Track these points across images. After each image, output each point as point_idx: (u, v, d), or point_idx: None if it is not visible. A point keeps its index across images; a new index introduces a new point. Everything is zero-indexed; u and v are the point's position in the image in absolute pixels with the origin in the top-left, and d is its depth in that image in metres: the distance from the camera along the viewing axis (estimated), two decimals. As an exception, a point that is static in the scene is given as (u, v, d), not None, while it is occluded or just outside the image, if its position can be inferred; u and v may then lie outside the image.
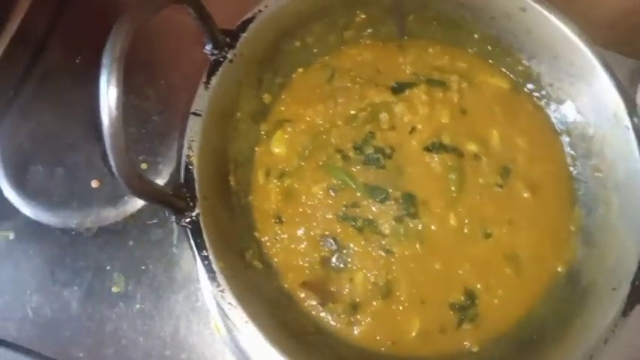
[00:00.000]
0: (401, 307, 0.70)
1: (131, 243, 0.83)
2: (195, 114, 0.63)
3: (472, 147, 0.76)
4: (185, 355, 0.78)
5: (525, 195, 0.75)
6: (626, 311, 0.62)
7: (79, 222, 0.82)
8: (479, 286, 0.72)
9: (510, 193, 0.75)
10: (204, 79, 0.65)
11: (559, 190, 0.77)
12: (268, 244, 0.72)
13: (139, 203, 0.82)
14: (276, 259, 0.72)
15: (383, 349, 0.69)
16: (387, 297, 0.70)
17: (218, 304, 0.61)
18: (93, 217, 0.83)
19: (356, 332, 0.70)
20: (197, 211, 0.61)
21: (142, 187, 0.53)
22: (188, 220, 0.60)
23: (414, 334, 0.70)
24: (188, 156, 0.62)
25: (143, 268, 0.82)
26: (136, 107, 0.87)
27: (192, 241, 0.60)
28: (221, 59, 0.66)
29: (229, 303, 0.59)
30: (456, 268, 0.72)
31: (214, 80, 0.65)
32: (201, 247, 0.60)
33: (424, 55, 0.81)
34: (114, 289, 0.81)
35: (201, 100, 0.64)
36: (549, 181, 0.77)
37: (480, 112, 0.78)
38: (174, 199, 0.59)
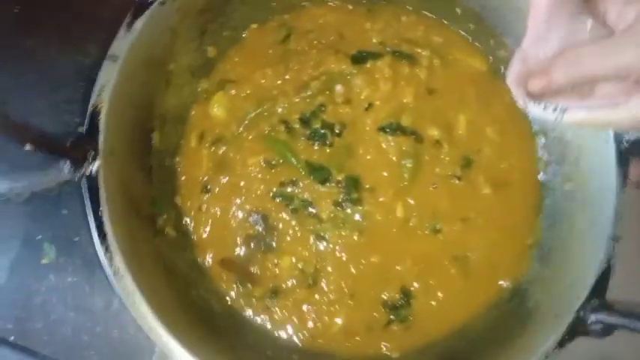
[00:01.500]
0: (326, 299, 0.65)
1: (65, 212, 0.76)
2: (111, 58, 0.56)
3: (434, 132, 0.69)
4: (117, 333, 0.72)
5: (486, 191, 0.68)
6: (563, 342, 0.55)
7: (9, 187, 0.76)
8: (417, 285, 0.66)
9: (469, 187, 0.68)
10: (127, 20, 0.58)
11: (524, 194, 0.70)
12: (191, 213, 0.67)
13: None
14: (195, 231, 0.67)
15: (300, 342, 0.65)
16: (312, 286, 0.65)
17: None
18: (25, 181, 0.76)
19: (272, 321, 0.65)
20: (96, 166, 0.54)
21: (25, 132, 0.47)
22: (81, 174, 0.54)
23: (336, 329, 0.65)
24: (95, 105, 0.56)
25: (76, 239, 0.75)
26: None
27: (86, 199, 0.54)
28: (149, 0, 0.58)
29: (117, 270, 0.54)
30: (395, 263, 0.66)
31: (139, 24, 0.59)
32: (96, 205, 0.55)
33: (395, 23, 0.74)
34: (44, 261, 0.74)
35: (121, 44, 0.58)
36: (515, 180, 0.70)
37: (450, 93, 0.71)
38: (71, 151, 0.52)
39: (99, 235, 0.55)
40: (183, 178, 0.68)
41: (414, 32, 0.73)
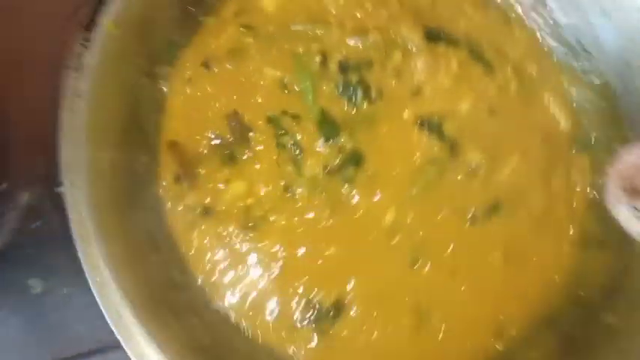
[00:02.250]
0: (266, 241, 0.56)
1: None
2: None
3: (475, 156, 0.58)
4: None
5: (495, 260, 0.57)
6: None
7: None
8: (353, 307, 0.55)
9: (479, 242, 0.57)
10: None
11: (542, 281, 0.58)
12: (176, 78, 0.59)
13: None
14: (170, 99, 0.59)
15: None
16: (248, 230, 0.56)
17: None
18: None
19: (187, 243, 0.56)
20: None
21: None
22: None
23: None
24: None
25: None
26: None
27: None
28: None
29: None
30: (346, 269, 0.56)
31: None
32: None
33: (499, 23, 0.64)
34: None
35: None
36: (535, 263, 0.58)
37: (512, 129, 0.60)
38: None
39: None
40: (189, 48, 0.60)
41: (512, 43, 0.63)
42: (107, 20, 0.51)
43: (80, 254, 0.48)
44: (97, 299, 0.48)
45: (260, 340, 0.55)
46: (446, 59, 0.60)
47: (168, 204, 0.56)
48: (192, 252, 0.56)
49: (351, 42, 0.59)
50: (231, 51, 0.59)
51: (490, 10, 0.64)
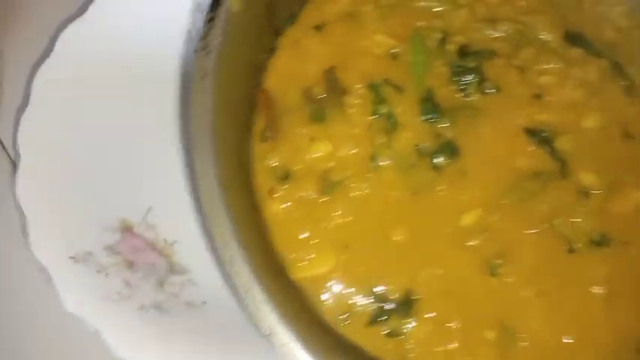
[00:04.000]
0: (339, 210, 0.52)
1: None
2: None
3: (589, 178, 0.53)
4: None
5: (597, 292, 0.51)
6: None
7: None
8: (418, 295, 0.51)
9: (580, 267, 0.51)
10: None
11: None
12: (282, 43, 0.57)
13: None
14: (273, 64, 0.56)
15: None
16: (322, 195, 0.52)
17: None
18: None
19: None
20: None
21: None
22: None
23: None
24: None
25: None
26: None
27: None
28: None
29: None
30: (418, 252, 0.51)
31: None
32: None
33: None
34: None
35: None
36: None
37: None
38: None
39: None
40: (312, 6, 0.58)
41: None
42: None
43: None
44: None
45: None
46: (582, 68, 0.55)
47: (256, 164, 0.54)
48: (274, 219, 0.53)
49: (478, 25, 0.56)
50: (347, 15, 0.56)
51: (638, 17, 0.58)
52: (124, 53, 0.64)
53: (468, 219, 0.51)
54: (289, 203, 0.52)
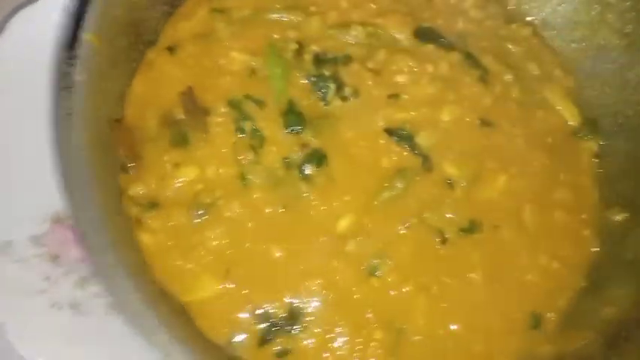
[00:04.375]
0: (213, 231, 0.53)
1: None
2: None
3: (452, 171, 0.56)
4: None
5: (474, 276, 0.54)
6: None
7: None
8: (301, 304, 0.53)
9: (451, 258, 0.55)
10: None
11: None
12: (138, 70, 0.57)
13: None
14: (129, 92, 0.56)
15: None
16: (198, 217, 0.53)
17: None
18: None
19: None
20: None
21: None
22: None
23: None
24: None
25: None
26: None
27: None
28: None
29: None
30: (296, 271, 0.53)
31: None
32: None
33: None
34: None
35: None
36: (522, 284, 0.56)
37: (510, 140, 0.59)
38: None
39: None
40: (166, 27, 0.59)
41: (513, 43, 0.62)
42: (88, 34, 0.49)
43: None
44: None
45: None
46: (434, 63, 0.58)
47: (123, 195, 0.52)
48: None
49: (332, 32, 0.58)
50: (200, 35, 0.57)
51: (490, 8, 0.63)
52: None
53: (342, 225, 0.53)
54: (160, 233, 0.52)
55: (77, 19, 0.49)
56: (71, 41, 0.49)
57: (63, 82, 0.49)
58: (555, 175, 0.58)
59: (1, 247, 0.61)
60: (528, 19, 0.66)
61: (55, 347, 0.60)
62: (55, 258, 0.62)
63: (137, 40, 0.56)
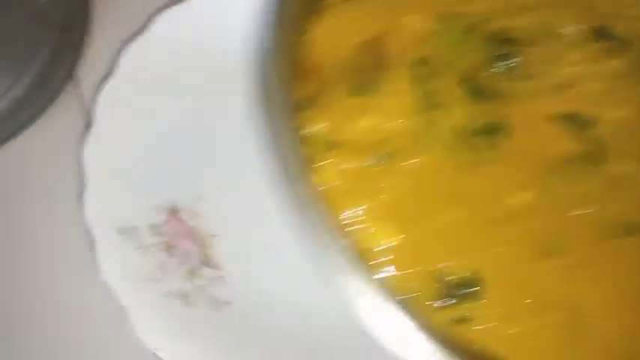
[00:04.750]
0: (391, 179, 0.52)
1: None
2: None
3: (625, 166, 0.53)
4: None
5: None
6: None
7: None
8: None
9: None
10: None
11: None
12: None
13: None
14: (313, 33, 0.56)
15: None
16: (379, 165, 0.51)
17: None
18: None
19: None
20: None
21: None
22: None
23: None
24: None
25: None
26: None
27: None
28: None
29: None
30: (468, 231, 0.50)
31: None
32: None
33: None
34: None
35: None
36: None
37: None
38: None
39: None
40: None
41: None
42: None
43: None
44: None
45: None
46: (608, 59, 0.57)
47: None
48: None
49: (513, 16, 0.57)
50: None
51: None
52: (213, 44, 0.66)
53: (518, 199, 0.51)
54: (334, 175, 0.51)
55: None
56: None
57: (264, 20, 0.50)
58: None
59: (127, 231, 0.64)
60: None
61: (167, 334, 0.63)
62: (169, 248, 0.64)
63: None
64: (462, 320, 0.47)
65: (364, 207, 0.49)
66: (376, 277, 0.47)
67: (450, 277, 0.48)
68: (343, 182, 0.50)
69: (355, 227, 0.49)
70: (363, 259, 0.47)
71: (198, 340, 0.63)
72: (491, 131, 0.53)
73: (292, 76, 0.51)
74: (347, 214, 0.49)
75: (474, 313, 0.48)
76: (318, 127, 0.51)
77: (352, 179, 0.50)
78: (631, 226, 0.51)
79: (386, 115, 0.52)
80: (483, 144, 0.52)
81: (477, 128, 0.53)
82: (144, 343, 0.61)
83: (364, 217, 0.49)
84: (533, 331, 0.48)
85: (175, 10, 0.65)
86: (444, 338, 0.45)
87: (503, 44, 0.56)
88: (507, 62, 0.55)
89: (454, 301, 0.48)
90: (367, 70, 0.53)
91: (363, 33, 0.54)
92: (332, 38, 0.54)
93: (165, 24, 0.65)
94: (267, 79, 0.49)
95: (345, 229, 0.48)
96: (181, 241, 0.66)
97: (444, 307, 0.48)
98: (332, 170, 0.50)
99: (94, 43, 0.70)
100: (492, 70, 0.55)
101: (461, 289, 0.48)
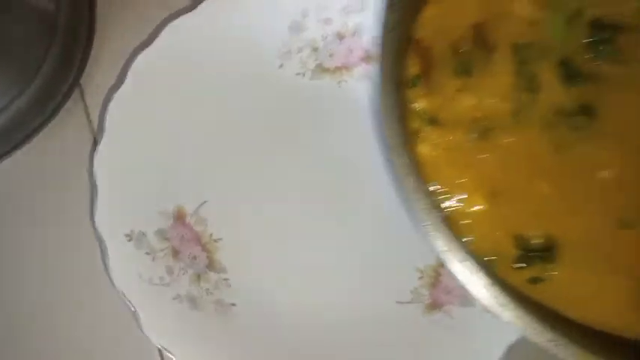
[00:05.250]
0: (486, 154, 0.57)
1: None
2: None
3: None
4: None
5: None
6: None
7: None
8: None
9: None
10: None
11: None
12: None
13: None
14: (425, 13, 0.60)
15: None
16: (478, 139, 0.57)
17: None
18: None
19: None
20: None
21: None
22: None
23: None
24: None
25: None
26: None
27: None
28: None
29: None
30: (557, 204, 0.56)
31: None
32: None
33: None
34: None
35: None
36: None
37: None
38: None
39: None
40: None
41: None
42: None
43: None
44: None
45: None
46: None
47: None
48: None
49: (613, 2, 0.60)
50: None
51: None
52: (220, 54, 0.67)
53: (605, 175, 0.56)
54: (436, 147, 0.57)
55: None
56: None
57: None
58: None
59: (136, 237, 0.67)
60: None
61: (177, 336, 0.67)
62: (176, 253, 0.68)
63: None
64: (537, 280, 0.54)
65: (459, 177, 0.56)
66: (463, 239, 0.55)
67: (530, 242, 0.55)
68: (441, 154, 0.56)
69: (448, 195, 0.56)
70: (453, 222, 0.55)
71: (207, 342, 0.67)
72: (585, 112, 0.57)
73: (405, 54, 0.58)
74: (442, 183, 0.56)
75: (549, 275, 0.55)
76: (423, 103, 0.57)
77: (450, 152, 0.56)
78: None
79: (487, 94, 0.57)
80: (577, 124, 0.57)
81: (571, 109, 0.57)
82: (154, 345, 0.64)
83: (456, 187, 0.56)
84: (603, 293, 0.54)
85: (182, 21, 0.66)
86: (517, 296, 0.54)
87: (604, 29, 0.59)
88: (606, 47, 0.58)
89: (531, 263, 0.55)
90: (473, 52, 0.58)
91: (473, 16, 0.59)
92: (442, 20, 0.59)
93: (173, 34, 0.66)
94: (383, 55, 0.54)
95: (440, 196, 0.56)
96: (188, 246, 0.69)
97: (521, 269, 0.55)
98: (432, 143, 0.57)
99: (98, 53, 0.71)
100: (591, 54, 0.58)
101: (538, 253, 0.55)
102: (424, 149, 0.56)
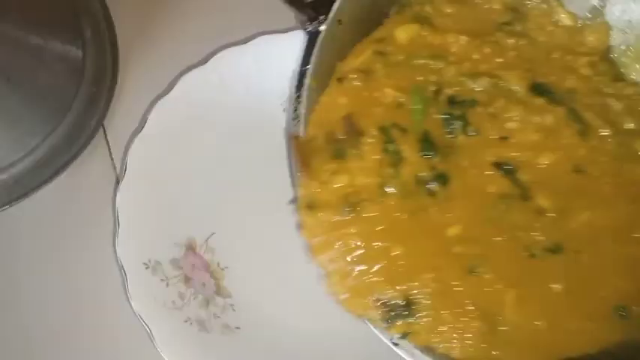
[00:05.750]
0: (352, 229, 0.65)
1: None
2: None
3: (544, 203, 0.66)
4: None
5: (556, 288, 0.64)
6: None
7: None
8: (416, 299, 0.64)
9: (541, 269, 0.64)
10: None
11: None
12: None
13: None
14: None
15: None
16: (347, 214, 0.65)
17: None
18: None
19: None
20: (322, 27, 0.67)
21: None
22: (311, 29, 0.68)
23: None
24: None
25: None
26: None
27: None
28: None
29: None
30: (412, 263, 0.65)
31: None
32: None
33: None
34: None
35: None
36: None
37: (597, 191, 0.67)
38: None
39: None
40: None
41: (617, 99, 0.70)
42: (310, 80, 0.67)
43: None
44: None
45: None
46: (542, 115, 0.68)
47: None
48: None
49: (462, 79, 0.69)
50: (362, 71, 0.70)
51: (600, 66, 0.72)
52: (228, 100, 0.79)
53: (452, 232, 0.65)
54: (313, 227, 0.65)
55: (303, 73, 0.67)
56: (298, 86, 0.67)
57: (294, 115, 0.67)
58: (637, 219, 0.65)
59: (153, 266, 0.75)
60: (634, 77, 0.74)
61: (187, 357, 0.72)
62: (187, 280, 0.76)
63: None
64: (406, 334, 0.63)
65: (336, 251, 0.64)
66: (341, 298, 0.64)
67: (390, 303, 0.63)
68: (318, 232, 0.65)
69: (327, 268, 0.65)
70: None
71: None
72: (439, 179, 0.66)
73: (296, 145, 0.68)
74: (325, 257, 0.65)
75: (413, 328, 0.63)
76: (302, 191, 0.66)
77: (325, 229, 0.65)
78: (545, 248, 0.64)
79: (354, 175, 0.66)
80: (432, 191, 0.66)
81: (428, 178, 0.66)
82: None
83: (329, 262, 0.64)
84: (456, 338, 0.62)
85: (196, 72, 0.76)
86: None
87: (456, 107, 0.69)
88: (458, 121, 0.68)
89: (394, 321, 0.63)
90: (346, 139, 0.68)
91: (344, 109, 0.69)
92: (322, 116, 0.70)
93: (187, 84, 0.76)
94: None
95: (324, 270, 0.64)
96: (198, 273, 0.76)
97: (390, 326, 0.63)
98: (310, 229, 0.65)
99: (120, 97, 0.80)
100: (448, 128, 0.68)
101: (399, 311, 0.63)
102: (305, 234, 0.65)
